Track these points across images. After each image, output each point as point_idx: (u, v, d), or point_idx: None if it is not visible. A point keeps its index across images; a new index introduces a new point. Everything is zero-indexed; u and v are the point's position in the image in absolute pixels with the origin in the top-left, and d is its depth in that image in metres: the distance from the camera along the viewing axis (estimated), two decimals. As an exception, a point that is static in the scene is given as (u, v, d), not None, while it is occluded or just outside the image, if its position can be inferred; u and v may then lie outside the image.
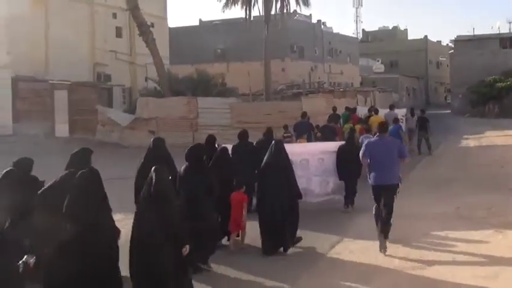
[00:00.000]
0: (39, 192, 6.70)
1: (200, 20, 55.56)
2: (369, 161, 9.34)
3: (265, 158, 9.41)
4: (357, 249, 9.31)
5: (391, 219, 9.03)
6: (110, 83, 33.21)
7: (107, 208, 6.15)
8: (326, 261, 8.86)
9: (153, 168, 6.49)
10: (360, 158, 9.53)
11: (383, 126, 9.87)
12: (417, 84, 68.60)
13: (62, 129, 26.88)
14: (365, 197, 10.60)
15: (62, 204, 5.71)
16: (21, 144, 21.77)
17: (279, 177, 9.08)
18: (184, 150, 8.55)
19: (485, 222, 10.44)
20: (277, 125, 19.65)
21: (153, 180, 6.31)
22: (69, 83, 27.34)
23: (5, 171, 7.48)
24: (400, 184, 9.34)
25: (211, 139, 10.52)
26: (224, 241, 9.52)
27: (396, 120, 19.27)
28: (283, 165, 9.25)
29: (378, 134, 9.79)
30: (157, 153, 8.86)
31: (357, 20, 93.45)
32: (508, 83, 44.10)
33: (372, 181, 9.30)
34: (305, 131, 17.82)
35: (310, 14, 55.60)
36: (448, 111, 50.16)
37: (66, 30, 29.93)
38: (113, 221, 6.25)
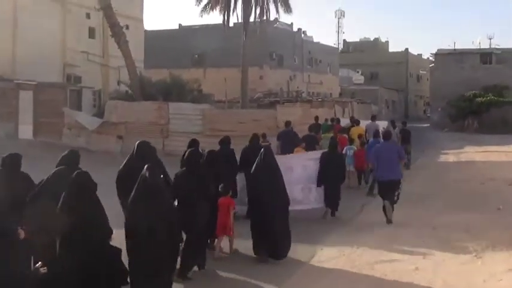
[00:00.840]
0: (38, 185, 7.08)
1: (180, 25, 54.53)
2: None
3: (255, 163, 9.37)
4: (338, 256, 9.22)
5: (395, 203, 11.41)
6: (80, 84, 31.97)
7: (101, 207, 6.25)
8: (308, 268, 8.82)
9: (146, 166, 6.71)
10: (369, 160, 12.34)
11: (388, 135, 12.50)
12: (397, 97, 68.29)
13: (25, 131, 25.58)
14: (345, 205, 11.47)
15: (58, 199, 6.08)
16: (-21, 145, 20.55)
17: (271, 181, 9.12)
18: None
19: (464, 245, 9.55)
20: (251, 134, 18.68)
21: (147, 175, 6.55)
22: (35, 83, 26.04)
23: None
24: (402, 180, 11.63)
25: (226, 139, 11.51)
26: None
27: (377, 133, 17.71)
28: (274, 169, 9.27)
29: (384, 140, 12.38)
30: (141, 156, 8.40)
31: (339, 30, 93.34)
32: (488, 98, 43.83)
33: (381, 178, 11.70)
34: (289, 140, 16.95)
35: (292, 23, 55.00)
36: (427, 124, 49.78)
37: (35, 28, 28.77)
38: (107, 220, 6.29)
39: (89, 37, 34.04)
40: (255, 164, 9.32)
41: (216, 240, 9.33)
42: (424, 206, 13.57)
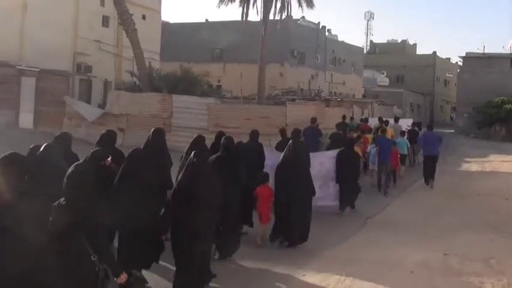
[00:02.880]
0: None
1: (206, 20, 53.11)
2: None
3: (283, 154, 10.15)
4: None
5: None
6: (90, 74, 30.86)
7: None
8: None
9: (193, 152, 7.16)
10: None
11: (431, 126, 19.06)
12: (422, 101, 66.09)
13: (26, 119, 24.50)
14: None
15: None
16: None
17: (298, 172, 9.67)
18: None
19: (479, 281, 7.83)
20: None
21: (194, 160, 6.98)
22: (38, 69, 24.91)
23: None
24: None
25: (256, 134, 11.49)
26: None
27: (403, 133, 19.96)
28: (302, 161, 9.92)
29: (427, 130, 18.46)
30: (156, 143, 8.43)
31: (367, 32, 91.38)
32: (517, 105, 41.58)
33: (426, 153, 17.56)
34: (313, 137, 17.28)
35: (319, 22, 53.44)
36: (452, 130, 47.63)
37: (46, 13, 27.69)
38: None
39: (103, 25, 32.87)
40: (282, 156, 10.07)
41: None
42: (437, 223, 12.01)
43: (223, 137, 9.27)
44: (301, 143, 10.85)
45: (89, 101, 29.73)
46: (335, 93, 47.75)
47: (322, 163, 12.59)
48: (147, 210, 7.00)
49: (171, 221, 7.05)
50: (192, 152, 7.20)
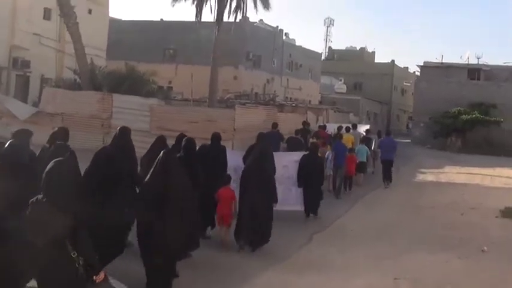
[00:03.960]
0: None
1: (162, 20, 51.17)
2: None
3: (249, 158, 10.29)
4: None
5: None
6: (27, 70, 28.82)
7: None
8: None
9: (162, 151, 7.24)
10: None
11: (389, 132, 22.81)
12: (379, 109, 65.67)
13: (-50, 117, 22.32)
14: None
15: None
16: None
17: (262, 178, 9.61)
18: (91, 154, 7.35)
19: None
20: (203, 135, 15.69)
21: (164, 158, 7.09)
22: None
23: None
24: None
25: (217, 136, 11.05)
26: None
27: (363, 139, 20.37)
28: (266, 167, 9.85)
29: (385, 136, 21.06)
30: (122, 142, 8.51)
31: (327, 39, 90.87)
32: (473, 116, 41.11)
33: (383, 158, 19.49)
34: (274, 141, 16.69)
35: (277, 26, 52.14)
36: (408, 140, 47.03)
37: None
38: None
39: (44, 18, 30.87)
40: (248, 161, 10.18)
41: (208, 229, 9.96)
42: (387, 242, 10.71)
43: (184, 138, 9.41)
44: (266, 148, 10.64)
45: (25, 99, 27.70)
46: (291, 98, 46.58)
47: (285, 166, 12.42)
48: (114, 207, 6.86)
49: (140, 220, 7.07)
50: (162, 151, 7.23)
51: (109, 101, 21.13)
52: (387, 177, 19.33)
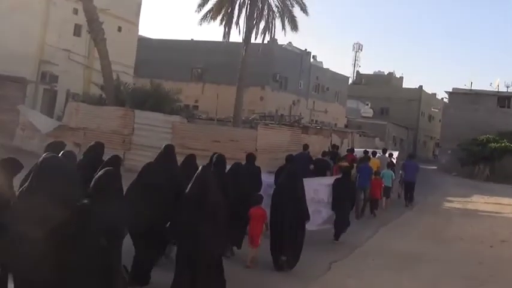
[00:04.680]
0: None
1: (192, 39, 51.45)
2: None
3: (280, 178, 10.60)
4: None
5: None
6: (54, 84, 29.00)
7: None
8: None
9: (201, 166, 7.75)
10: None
11: (412, 155, 25.88)
12: (406, 135, 64.89)
13: (-23, 128, 22.47)
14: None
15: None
16: None
17: (294, 196, 9.71)
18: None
19: None
20: (225, 154, 15.39)
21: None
22: (-8, 74, 23.04)
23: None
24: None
25: (252, 157, 11.71)
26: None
27: (389, 164, 20.01)
28: (298, 186, 9.96)
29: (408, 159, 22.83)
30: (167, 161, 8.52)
31: (355, 63, 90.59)
32: (503, 144, 40.20)
33: (406, 179, 20.24)
34: (303, 163, 16.76)
35: (306, 49, 52.05)
36: (435, 167, 46.19)
37: (13, 17, 25.99)
38: None
39: (74, 35, 31.15)
40: (280, 179, 10.39)
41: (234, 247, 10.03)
42: (412, 274, 10.22)
43: (215, 155, 9.98)
44: (295, 169, 11.10)
45: (51, 113, 27.87)
46: (316, 121, 46.27)
47: (316, 190, 12.45)
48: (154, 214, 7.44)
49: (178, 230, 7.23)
50: (201, 166, 7.71)
51: (131, 117, 21.01)
52: (409, 197, 20.25)
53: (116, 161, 7.98)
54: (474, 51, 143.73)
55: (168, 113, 24.01)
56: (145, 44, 42.24)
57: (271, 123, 31.44)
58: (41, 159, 5.64)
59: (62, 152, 7.75)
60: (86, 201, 5.30)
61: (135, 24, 36.32)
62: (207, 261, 6.97)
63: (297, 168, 13.01)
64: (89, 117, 21.26)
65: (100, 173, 5.67)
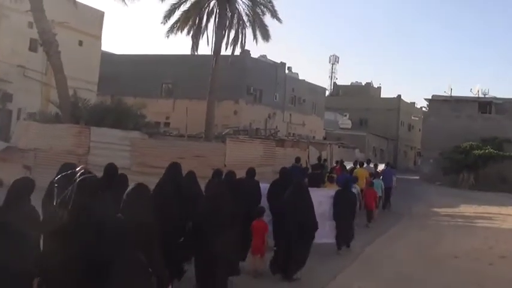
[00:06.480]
0: None
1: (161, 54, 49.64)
2: None
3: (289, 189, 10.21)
4: None
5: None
6: (9, 103, 26.95)
7: None
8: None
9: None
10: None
11: (388, 163, 25.51)
12: (386, 145, 63.59)
13: None
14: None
15: None
16: None
17: (304, 206, 9.86)
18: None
19: None
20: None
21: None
22: None
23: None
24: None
25: (252, 171, 11.37)
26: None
27: (377, 174, 20.31)
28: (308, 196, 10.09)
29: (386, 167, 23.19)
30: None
31: (332, 76, 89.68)
32: (486, 151, 38.85)
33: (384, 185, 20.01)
34: (298, 176, 15.39)
35: (281, 62, 50.34)
36: (417, 177, 44.70)
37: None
38: None
39: (30, 50, 29.16)
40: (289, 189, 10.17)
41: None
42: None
43: (226, 172, 10.31)
44: (302, 180, 11.46)
45: (6, 134, 25.77)
46: (293, 134, 44.54)
47: (320, 202, 12.25)
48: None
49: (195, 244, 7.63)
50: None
51: (86, 135, 19.03)
52: (387, 201, 21.05)
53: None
54: (452, 59, 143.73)
55: (131, 129, 22.13)
56: (110, 59, 40.32)
57: (245, 137, 29.69)
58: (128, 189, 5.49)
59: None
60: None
61: (98, 38, 34.42)
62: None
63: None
64: (40, 136, 19.19)
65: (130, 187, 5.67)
